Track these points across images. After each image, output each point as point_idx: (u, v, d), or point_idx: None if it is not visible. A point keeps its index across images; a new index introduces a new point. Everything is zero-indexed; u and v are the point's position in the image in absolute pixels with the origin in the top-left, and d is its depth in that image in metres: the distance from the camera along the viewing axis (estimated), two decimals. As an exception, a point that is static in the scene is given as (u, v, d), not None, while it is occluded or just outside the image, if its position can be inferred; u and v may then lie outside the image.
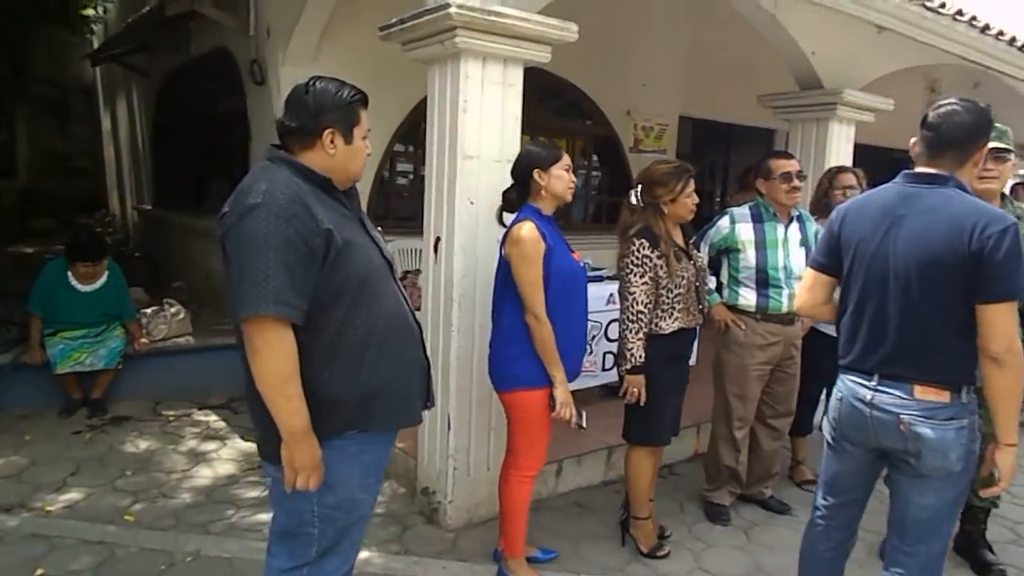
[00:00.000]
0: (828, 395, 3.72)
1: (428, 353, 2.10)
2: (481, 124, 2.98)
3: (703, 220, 3.44)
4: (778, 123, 8.37)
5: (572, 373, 2.59)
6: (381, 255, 1.99)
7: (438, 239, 3.13)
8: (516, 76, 3.06)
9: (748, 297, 3.26)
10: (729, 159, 8.93)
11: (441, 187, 3.08)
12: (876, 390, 1.97)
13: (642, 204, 2.89)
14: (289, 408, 1.75)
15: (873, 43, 4.45)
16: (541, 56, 3.07)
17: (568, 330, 2.54)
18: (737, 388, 3.30)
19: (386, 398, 1.92)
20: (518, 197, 2.62)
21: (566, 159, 2.61)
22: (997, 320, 1.82)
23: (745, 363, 3.27)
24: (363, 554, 2.80)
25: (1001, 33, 4.75)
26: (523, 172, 2.59)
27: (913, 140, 2.06)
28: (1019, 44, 4.97)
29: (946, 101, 2.01)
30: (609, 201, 6.76)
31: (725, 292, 3.35)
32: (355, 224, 1.94)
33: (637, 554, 3.03)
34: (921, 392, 1.91)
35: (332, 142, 1.84)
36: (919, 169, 2.01)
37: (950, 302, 1.88)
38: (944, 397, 1.90)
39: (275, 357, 1.73)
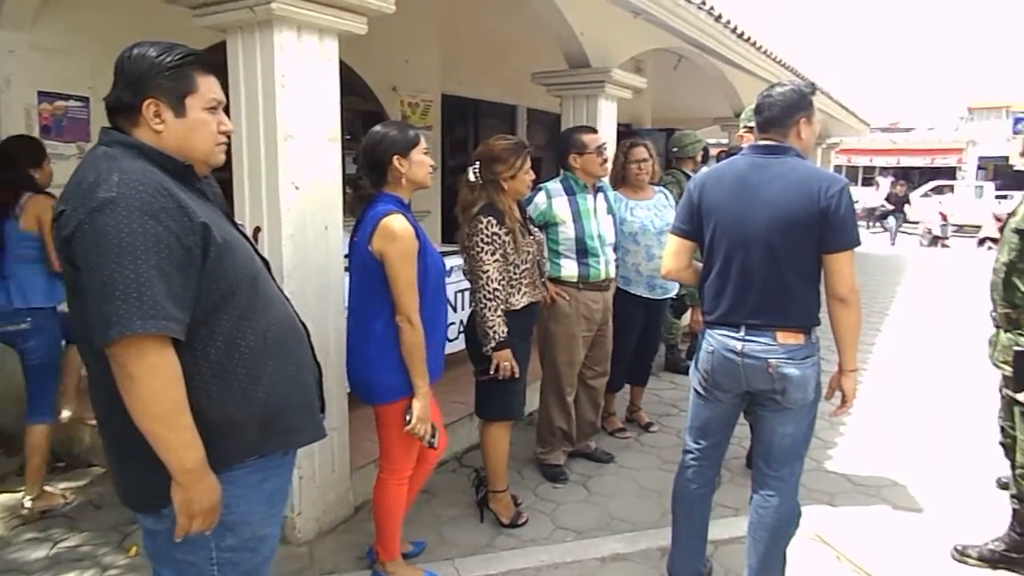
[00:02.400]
0: (635, 354, 4.13)
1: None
2: (300, 101, 2.72)
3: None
4: (519, 99, 8.90)
5: (436, 373, 2.50)
6: (256, 253, 1.75)
7: (257, 229, 2.80)
8: (332, 49, 2.84)
9: (570, 268, 3.43)
10: (477, 134, 9.25)
11: (257, 171, 2.75)
12: (745, 340, 2.21)
13: (481, 181, 2.88)
14: (181, 442, 1.47)
15: (629, 27, 4.90)
16: (357, 27, 2.89)
17: (435, 332, 2.44)
18: (566, 356, 3.47)
19: (287, 414, 1.69)
20: (373, 184, 2.44)
21: (424, 142, 2.47)
22: (843, 267, 2.15)
23: (573, 332, 3.44)
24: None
25: (728, 22, 5.51)
26: (380, 158, 2.39)
27: (739, 132, 2.33)
28: (739, 32, 5.82)
29: (767, 88, 2.32)
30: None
31: (547, 265, 3.48)
32: (224, 218, 1.67)
33: (499, 527, 3.07)
34: (783, 337, 2.18)
35: (157, 115, 1.53)
36: (761, 142, 2.28)
37: (804, 255, 2.17)
38: (800, 339, 2.20)
39: (159, 383, 1.43)
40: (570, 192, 3.40)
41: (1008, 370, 2.45)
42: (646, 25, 4.95)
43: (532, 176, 2.92)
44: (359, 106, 6.03)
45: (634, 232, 3.79)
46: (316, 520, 2.98)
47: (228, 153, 2.60)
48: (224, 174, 2.80)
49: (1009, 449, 2.67)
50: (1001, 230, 2.61)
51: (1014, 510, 2.75)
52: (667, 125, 12.11)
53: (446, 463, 3.74)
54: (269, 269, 1.82)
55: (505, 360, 2.83)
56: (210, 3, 2.68)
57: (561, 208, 3.36)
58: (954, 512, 3.27)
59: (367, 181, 2.45)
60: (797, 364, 2.20)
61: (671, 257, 2.42)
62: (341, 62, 5.78)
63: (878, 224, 19.04)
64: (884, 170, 26.75)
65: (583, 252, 3.38)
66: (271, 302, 1.71)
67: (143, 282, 1.40)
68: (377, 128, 2.50)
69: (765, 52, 6.85)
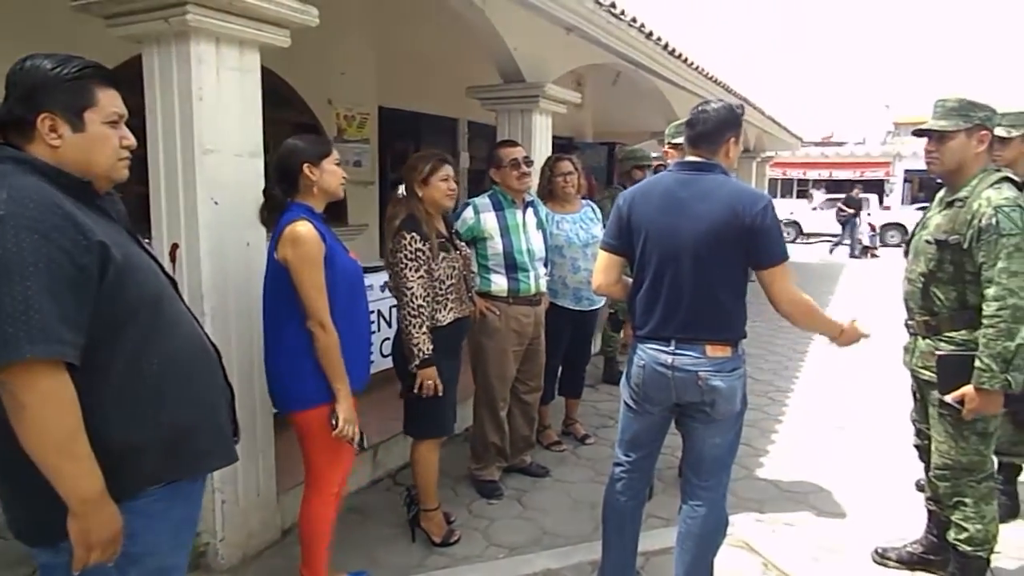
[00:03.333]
0: (567, 366, 4.15)
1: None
2: (219, 115, 2.65)
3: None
4: (460, 112, 8.90)
5: (361, 381, 2.46)
6: (163, 271, 1.69)
7: (175, 246, 2.71)
8: (254, 61, 2.78)
9: (499, 283, 3.42)
10: (419, 147, 9.21)
11: (174, 185, 2.66)
12: (675, 354, 2.24)
13: (405, 194, 2.88)
14: (78, 471, 1.41)
15: (563, 42, 4.95)
16: (280, 40, 2.83)
17: (355, 337, 2.39)
18: (498, 371, 3.46)
19: (195, 439, 1.64)
20: (284, 194, 2.39)
21: (336, 153, 2.46)
22: (780, 279, 2.21)
23: (504, 347, 3.44)
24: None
25: (659, 39, 5.63)
26: (291, 167, 2.36)
27: (665, 148, 2.38)
28: (671, 49, 5.94)
29: (702, 102, 2.37)
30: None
31: (477, 280, 3.46)
32: (127, 236, 1.61)
33: (431, 546, 3.03)
34: (712, 350, 2.22)
35: (53, 130, 1.48)
36: (689, 159, 2.32)
37: (732, 270, 2.22)
38: (728, 352, 2.24)
39: (52, 411, 1.37)
40: (498, 207, 3.40)
41: (927, 375, 2.53)
42: (580, 41, 5.01)
43: (452, 188, 2.90)
44: (293, 119, 5.93)
45: (560, 245, 3.82)
46: (240, 546, 2.88)
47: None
48: (145, 188, 2.75)
49: (924, 451, 2.75)
50: (909, 242, 2.70)
51: (929, 512, 2.85)
52: (608, 139, 12.34)
53: (380, 482, 3.68)
54: (177, 288, 1.76)
55: (429, 379, 2.80)
56: (123, 13, 2.59)
57: (489, 223, 3.36)
58: (876, 515, 3.37)
59: (278, 191, 2.41)
60: (725, 376, 2.24)
61: (600, 272, 2.43)
62: (273, 74, 5.71)
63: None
64: (816, 183, 27.72)
65: (512, 267, 3.38)
66: (177, 322, 1.66)
67: (32, 304, 1.34)
68: (290, 139, 2.48)
69: (697, 68, 7.03)
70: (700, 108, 2.35)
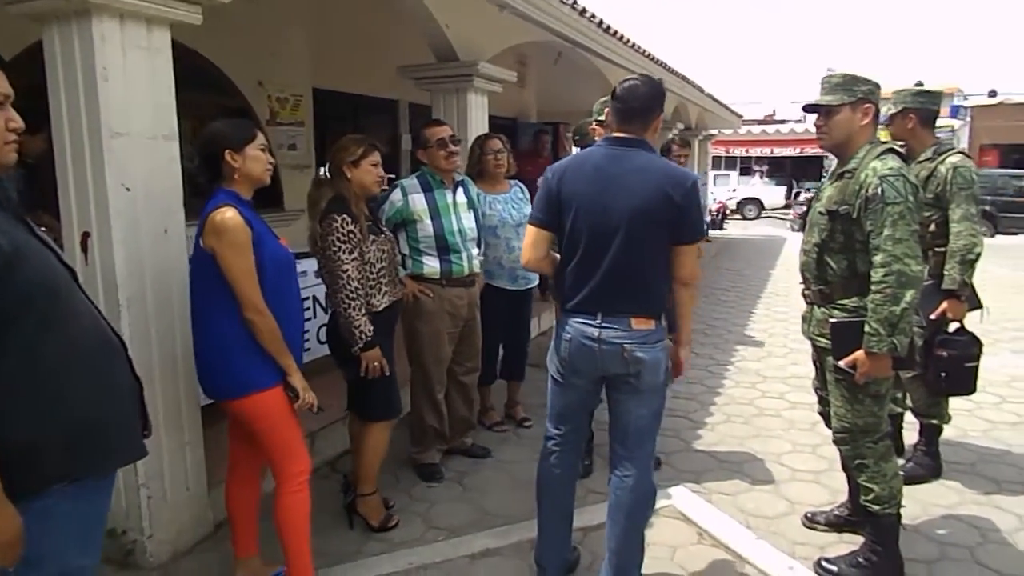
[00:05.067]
0: (507, 348, 4.15)
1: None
2: (128, 96, 2.53)
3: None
4: (400, 94, 8.76)
5: (298, 361, 2.41)
6: (60, 261, 1.61)
7: (86, 234, 2.60)
8: (164, 40, 2.66)
9: (432, 265, 3.38)
10: (358, 129, 9.04)
11: (83, 171, 2.54)
12: (601, 327, 2.25)
13: (329, 176, 2.82)
14: None
15: (496, 20, 4.89)
16: (191, 17, 2.71)
17: (289, 319, 2.34)
18: (433, 354, 3.43)
19: (99, 434, 1.58)
20: (208, 181, 2.31)
21: (261, 137, 2.36)
22: (689, 257, 2.28)
23: (438, 329, 3.40)
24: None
25: (592, 16, 5.60)
26: (212, 153, 2.28)
27: (592, 125, 2.37)
28: (605, 26, 5.92)
29: (629, 78, 2.36)
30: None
31: (409, 263, 3.40)
32: (17, 224, 1.53)
33: (369, 532, 3.00)
34: (636, 323, 2.24)
35: None
36: (617, 134, 2.31)
37: (657, 246, 2.24)
38: (651, 325, 2.27)
39: None
40: (427, 188, 3.35)
41: (823, 342, 2.60)
42: (514, 19, 4.95)
43: (380, 173, 2.85)
44: (222, 102, 5.74)
45: (494, 226, 3.79)
46: (170, 542, 2.81)
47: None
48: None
49: (827, 417, 2.83)
50: (805, 214, 2.77)
51: (848, 477, 2.94)
52: (552, 119, 12.31)
53: (318, 470, 3.61)
54: (77, 279, 1.68)
55: (375, 360, 2.77)
56: (22, -11, 2.45)
57: (418, 204, 3.31)
58: (808, 483, 3.47)
59: (203, 177, 2.33)
60: (649, 348, 2.26)
61: (529, 248, 2.42)
62: (200, 56, 5.52)
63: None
64: (759, 159, 28.22)
65: (444, 248, 3.34)
66: (75, 314, 1.59)
67: None
68: (213, 123, 2.39)
69: (633, 46, 7.04)
70: (630, 84, 2.34)
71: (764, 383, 5.07)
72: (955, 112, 25.59)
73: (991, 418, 4.33)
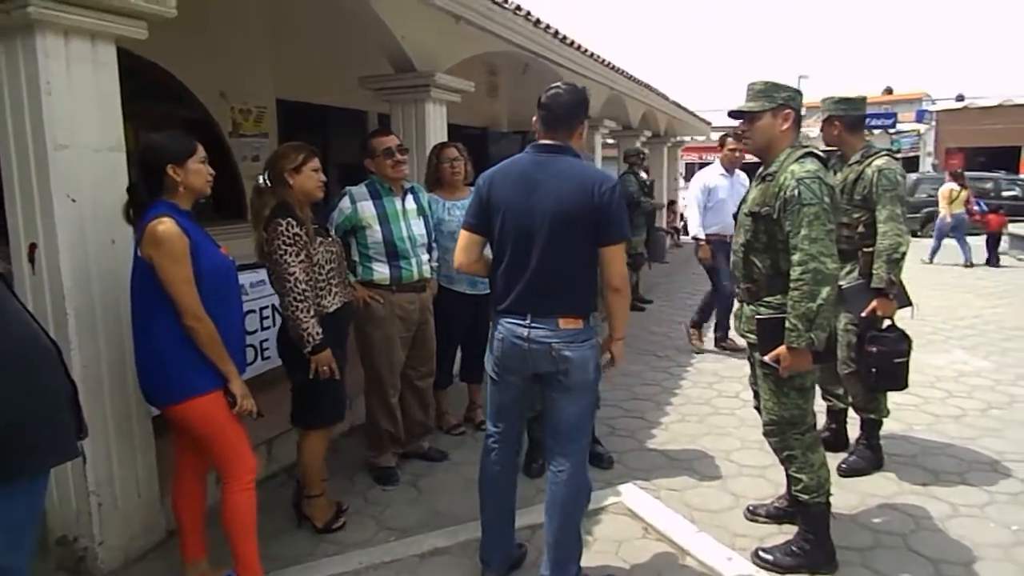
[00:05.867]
0: (463, 350, 4.22)
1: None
2: (72, 109, 2.58)
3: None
4: (369, 105, 8.81)
5: (238, 368, 2.46)
6: None
7: (33, 246, 2.64)
8: (109, 54, 2.71)
9: (381, 271, 3.44)
10: (327, 141, 9.08)
11: (28, 183, 2.59)
12: (531, 327, 2.34)
13: (270, 184, 2.88)
14: None
15: (452, 31, 4.98)
16: (136, 32, 2.76)
17: (229, 326, 2.40)
18: (385, 358, 3.49)
19: (29, 435, 1.62)
20: (148, 193, 2.36)
21: (201, 151, 2.42)
22: (615, 258, 2.34)
23: (389, 334, 3.47)
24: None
25: (548, 26, 5.72)
26: (154, 167, 2.34)
27: (534, 119, 2.46)
28: (561, 36, 6.04)
29: (554, 86, 2.45)
30: (215, 190, 6.33)
31: (359, 270, 3.46)
32: None
33: (320, 535, 3.05)
34: (564, 323, 2.33)
35: None
36: (542, 141, 2.40)
37: (582, 247, 2.32)
38: (579, 324, 2.36)
39: None
40: (376, 196, 3.42)
41: (752, 338, 2.70)
42: (470, 30, 5.05)
43: (321, 178, 2.91)
44: (183, 115, 5.77)
45: (453, 231, 3.84)
46: (121, 549, 2.84)
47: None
48: None
49: (760, 411, 2.93)
50: (735, 216, 2.88)
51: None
52: (523, 128, 12.43)
53: (275, 476, 3.67)
54: (11, 286, 1.73)
55: (325, 362, 2.83)
56: (-39, 6, 2.49)
57: (367, 211, 3.37)
58: (753, 478, 3.57)
59: (142, 190, 2.38)
60: (577, 347, 2.35)
61: (462, 251, 2.50)
62: (159, 68, 5.54)
63: None
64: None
65: (394, 254, 3.41)
66: (7, 321, 1.64)
67: None
68: (153, 136, 2.44)
69: (592, 56, 7.17)
70: (553, 92, 2.43)
71: (721, 383, 5.18)
72: (920, 116, 26.17)
73: (936, 412, 4.47)
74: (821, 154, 2.62)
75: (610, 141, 12.37)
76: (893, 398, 4.60)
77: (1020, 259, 11.81)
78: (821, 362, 2.60)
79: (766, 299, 2.64)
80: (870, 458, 3.59)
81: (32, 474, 1.66)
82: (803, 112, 2.75)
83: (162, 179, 2.35)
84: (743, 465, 3.71)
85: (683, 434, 4.19)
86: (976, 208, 12.14)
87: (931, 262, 11.58)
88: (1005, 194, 16.60)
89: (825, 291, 2.42)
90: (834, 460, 3.59)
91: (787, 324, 2.47)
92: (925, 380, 5.06)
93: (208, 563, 2.67)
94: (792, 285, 2.46)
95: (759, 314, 2.62)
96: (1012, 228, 12.79)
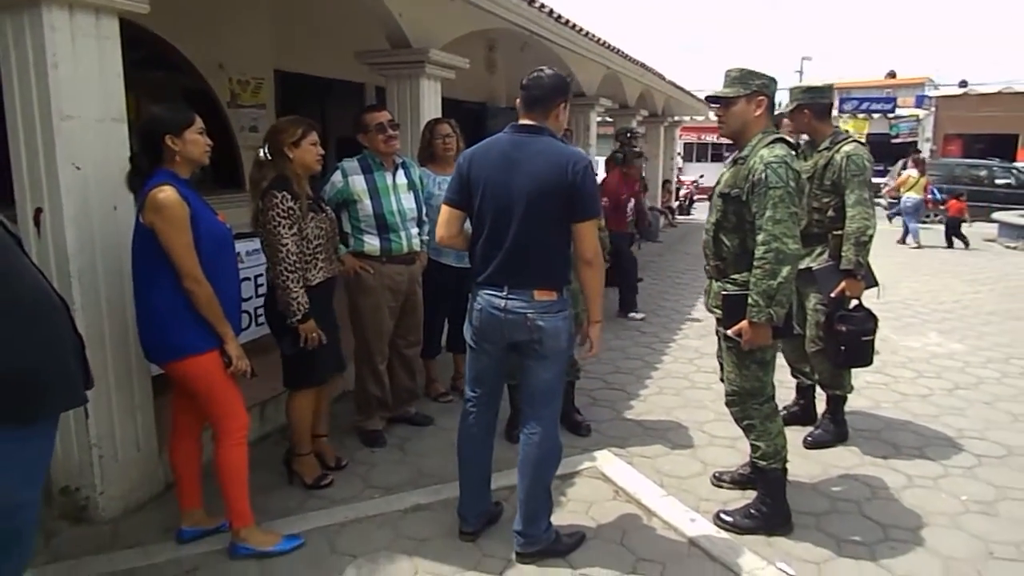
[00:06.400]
0: (450, 321, 4.37)
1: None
2: (77, 81, 2.70)
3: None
4: (367, 77, 8.87)
5: (235, 330, 2.62)
6: (4, 229, 1.80)
7: (39, 210, 2.78)
8: (112, 28, 2.83)
9: (372, 243, 3.59)
10: (325, 113, 9.15)
11: (35, 152, 2.72)
12: (507, 298, 2.49)
13: (270, 157, 2.99)
14: None
15: (448, 9, 5.07)
16: (138, 6, 2.89)
17: (225, 290, 2.55)
18: (374, 327, 3.65)
19: (41, 381, 1.77)
20: (149, 163, 2.49)
21: (199, 122, 2.55)
22: (588, 234, 2.48)
23: (378, 303, 3.62)
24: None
25: (543, 6, 5.80)
26: (153, 137, 2.47)
27: (518, 100, 2.59)
28: (556, 15, 6.12)
29: (536, 69, 2.58)
30: (213, 159, 6.44)
31: (351, 241, 3.60)
32: None
33: (310, 491, 3.23)
34: (539, 295, 2.48)
35: None
36: (522, 122, 2.54)
37: (557, 223, 2.46)
38: (553, 296, 2.51)
39: None
40: (367, 170, 3.55)
41: (719, 313, 2.85)
42: (465, 7, 5.13)
43: (320, 152, 3.05)
44: (183, 84, 5.86)
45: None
46: (121, 498, 3.02)
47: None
48: None
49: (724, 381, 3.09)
50: (710, 196, 3.02)
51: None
52: (520, 104, 12.48)
53: (268, 437, 3.84)
54: (22, 245, 1.87)
55: (312, 331, 2.98)
56: (-29, -20, 2.60)
57: (358, 185, 3.51)
58: (723, 447, 3.75)
59: (143, 160, 2.52)
60: (551, 317, 2.50)
61: (443, 226, 2.64)
62: (161, 40, 5.63)
63: None
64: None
65: (384, 227, 3.55)
66: (19, 274, 1.77)
67: None
68: (153, 108, 2.58)
69: (588, 36, 7.24)
70: (535, 75, 2.56)
71: (701, 359, 5.34)
72: (920, 102, 26.14)
73: (905, 391, 4.65)
74: (791, 140, 2.75)
75: (608, 119, 12.45)
76: (865, 377, 4.82)
77: (1008, 246, 11.96)
78: (780, 337, 2.75)
79: (733, 276, 2.79)
80: (835, 432, 3.76)
81: (47, 416, 1.82)
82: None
83: (161, 149, 2.48)
84: (715, 436, 3.89)
85: (660, 406, 4.37)
86: (931, 196, 12.51)
87: (906, 243, 11.84)
88: (999, 182, 16.71)
89: (785, 270, 2.56)
90: (803, 433, 3.80)
91: (750, 300, 2.62)
92: (898, 361, 5.25)
93: (204, 512, 2.85)
94: (755, 263, 2.60)
95: (725, 290, 2.77)
96: (1001, 216, 12.94)
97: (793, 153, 2.70)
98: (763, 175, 2.59)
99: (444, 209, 2.63)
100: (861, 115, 26.64)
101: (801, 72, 40.09)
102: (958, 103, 25.66)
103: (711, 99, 2.88)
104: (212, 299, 2.46)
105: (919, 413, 4.26)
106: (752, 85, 2.74)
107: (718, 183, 2.89)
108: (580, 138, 9.31)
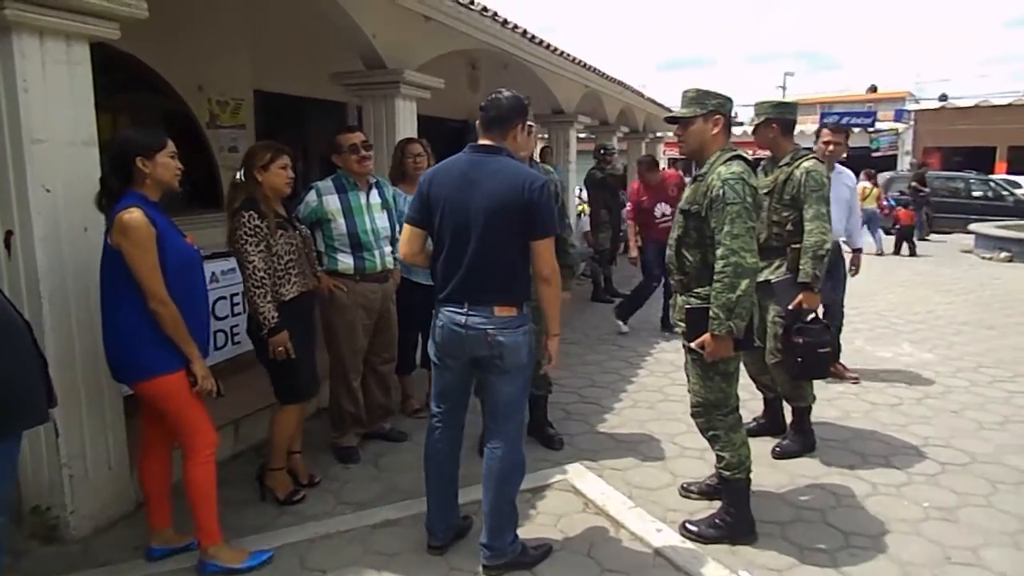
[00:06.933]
0: (424, 337, 4.42)
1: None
2: (47, 105, 2.76)
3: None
4: (348, 97, 8.93)
5: (202, 351, 2.66)
6: None
7: (9, 232, 2.81)
8: (83, 53, 2.88)
9: (346, 261, 3.65)
10: (306, 132, 9.21)
11: (5, 174, 2.76)
12: (468, 315, 2.54)
13: (244, 180, 3.08)
14: None
15: (423, 30, 5.17)
16: (109, 33, 2.94)
17: (192, 311, 2.58)
18: (348, 344, 3.70)
19: (4, 400, 1.81)
20: (119, 184, 2.54)
21: (171, 145, 2.61)
22: (545, 251, 2.54)
23: (352, 321, 3.67)
24: (-30, 595, 2.49)
25: (516, 26, 5.91)
26: (124, 159, 2.52)
27: (478, 121, 2.66)
28: (530, 36, 6.24)
29: (495, 91, 2.65)
30: (192, 179, 6.47)
31: (325, 260, 3.66)
32: None
33: (281, 508, 3.25)
34: (499, 311, 2.54)
35: None
36: (480, 142, 2.61)
37: (514, 241, 2.52)
38: (514, 312, 2.57)
39: None
40: (341, 190, 3.62)
41: (683, 326, 2.92)
42: (440, 29, 5.23)
43: (289, 175, 3.12)
44: (161, 106, 5.91)
45: (413, 224, 4.06)
46: (92, 517, 3.03)
47: None
48: None
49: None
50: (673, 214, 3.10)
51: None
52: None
53: (242, 455, 3.86)
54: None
55: (279, 344, 3.04)
56: (-58, 7, 2.65)
57: (331, 205, 3.57)
58: (692, 459, 3.80)
59: (113, 181, 2.56)
60: (511, 332, 2.56)
61: (405, 243, 2.70)
62: (139, 62, 5.68)
63: None
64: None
65: (358, 246, 3.61)
66: None
67: None
68: (125, 130, 2.63)
69: (563, 55, 7.36)
70: (493, 97, 2.64)
71: (676, 372, 5.39)
72: (899, 116, 26.53)
73: (874, 400, 4.72)
74: (748, 157, 2.83)
75: (591, 136, 12.58)
76: (835, 388, 4.90)
77: (984, 257, 12.14)
78: (741, 349, 2.82)
79: (696, 290, 2.86)
80: (801, 442, 3.83)
81: (7, 434, 1.85)
82: (736, 116, 2.97)
83: (132, 171, 2.53)
84: (685, 447, 3.95)
85: (633, 419, 4.42)
86: (886, 203, 13.43)
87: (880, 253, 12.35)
88: (975, 194, 16.94)
89: (744, 283, 2.63)
90: (772, 444, 3.86)
91: (711, 313, 2.69)
92: (869, 371, 5.33)
93: (173, 530, 2.87)
94: (715, 277, 2.67)
95: (689, 304, 2.84)
96: (977, 227, 13.15)
97: (751, 169, 2.78)
98: (720, 191, 2.67)
99: (406, 228, 2.69)
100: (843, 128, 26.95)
101: (784, 88, 40.73)
102: (936, 117, 26.06)
103: (669, 119, 2.96)
104: (177, 320, 2.50)
105: (887, 423, 4.33)
106: (709, 105, 2.83)
107: (680, 199, 2.96)
108: (560, 155, 9.44)
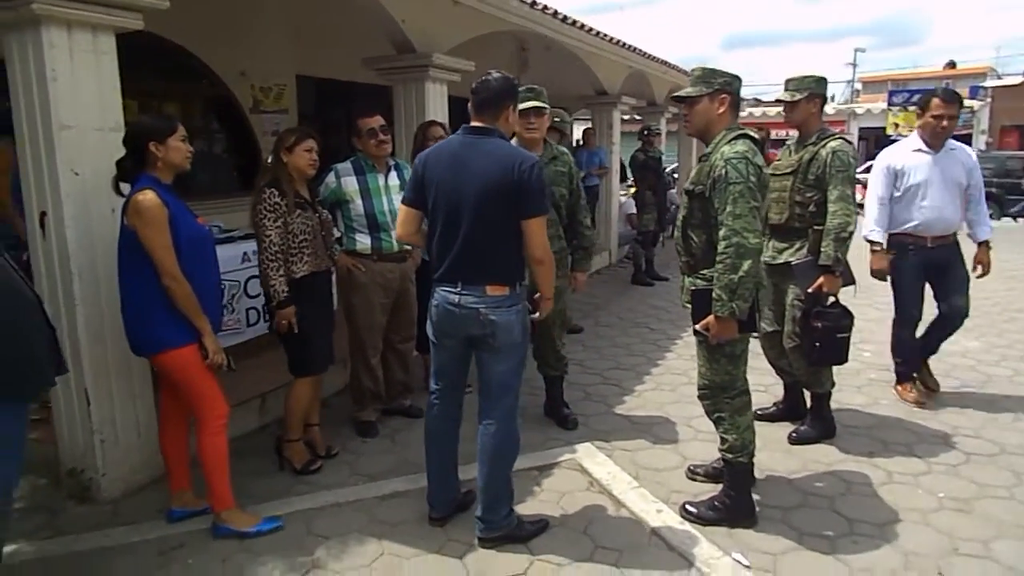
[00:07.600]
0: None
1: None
2: (76, 93, 2.93)
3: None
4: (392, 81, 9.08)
5: (213, 326, 2.80)
6: None
7: (43, 213, 3.02)
8: (109, 44, 3.05)
9: (364, 241, 3.76)
10: (352, 116, 9.38)
11: (39, 159, 2.96)
12: (460, 294, 2.61)
13: (273, 161, 3.24)
14: None
15: (451, 14, 5.21)
16: (133, 23, 3.09)
17: (204, 287, 2.73)
18: (367, 322, 3.82)
19: (13, 365, 1.96)
20: (133, 167, 2.70)
21: (181, 130, 2.75)
22: (536, 231, 2.58)
23: (371, 300, 3.78)
24: (9, 547, 2.70)
25: (546, 7, 5.89)
26: (137, 144, 2.67)
27: (470, 104, 2.70)
28: (561, 16, 6.20)
29: (486, 74, 2.69)
30: (236, 164, 6.73)
31: (344, 240, 3.79)
32: None
33: (298, 477, 3.40)
34: (491, 290, 2.59)
35: None
36: (473, 124, 2.65)
37: (506, 221, 2.57)
38: (506, 291, 2.61)
39: None
40: (360, 172, 3.73)
41: (689, 308, 2.90)
42: (468, 12, 5.26)
43: (314, 159, 3.27)
44: (205, 93, 6.14)
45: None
46: (123, 481, 3.24)
47: None
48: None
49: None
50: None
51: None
52: (552, 103, 12.53)
53: (267, 427, 4.04)
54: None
55: (284, 318, 3.18)
56: (-22, 3, 2.85)
57: (350, 186, 3.68)
58: (705, 441, 3.78)
59: (128, 164, 2.72)
60: (504, 312, 2.61)
61: (401, 224, 2.78)
62: (183, 49, 5.90)
63: None
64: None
65: (375, 226, 3.72)
66: None
67: None
68: (139, 118, 2.79)
69: (598, 34, 7.28)
70: (483, 79, 2.67)
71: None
72: (975, 93, 25.16)
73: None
74: (755, 136, 2.78)
75: (637, 117, 12.42)
76: (868, 374, 4.77)
77: (1057, 242, 11.48)
78: (745, 331, 2.80)
79: (702, 272, 2.83)
80: (819, 428, 3.76)
81: (13, 398, 2.00)
82: (743, 95, 2.91)
83: (145, 154, 2.68)
84: (700, 431, 3.92)
85: (653, 401, 4.42)
86: None
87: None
88: (1053, 175, 16.01)
89: (747, 264, 2.60)
90: (790, 429, 3.81)
91: (714, 294, 2.67)
92: (906, 358, 5.15)
93: (192, 494, 3.05)
94: (718, 258, 2.64)
95: (695, 286, 2.83)
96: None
97: (756, 149, 2.73)
98: (723, 171, 2.64)
99: (401, 208, 2.77)
100: (912, 107, 25.80)
101: (855, 64, 39.11)
102: (1015, 94, 24.62)
103: (676, 98, 2.94)
104: (189, 295, 2.64)
105: (916, 410, 4.21)
106: (715, 84, 2.79)
107: (686, 180, 2.94)
108: (603, 136, 9.36)
